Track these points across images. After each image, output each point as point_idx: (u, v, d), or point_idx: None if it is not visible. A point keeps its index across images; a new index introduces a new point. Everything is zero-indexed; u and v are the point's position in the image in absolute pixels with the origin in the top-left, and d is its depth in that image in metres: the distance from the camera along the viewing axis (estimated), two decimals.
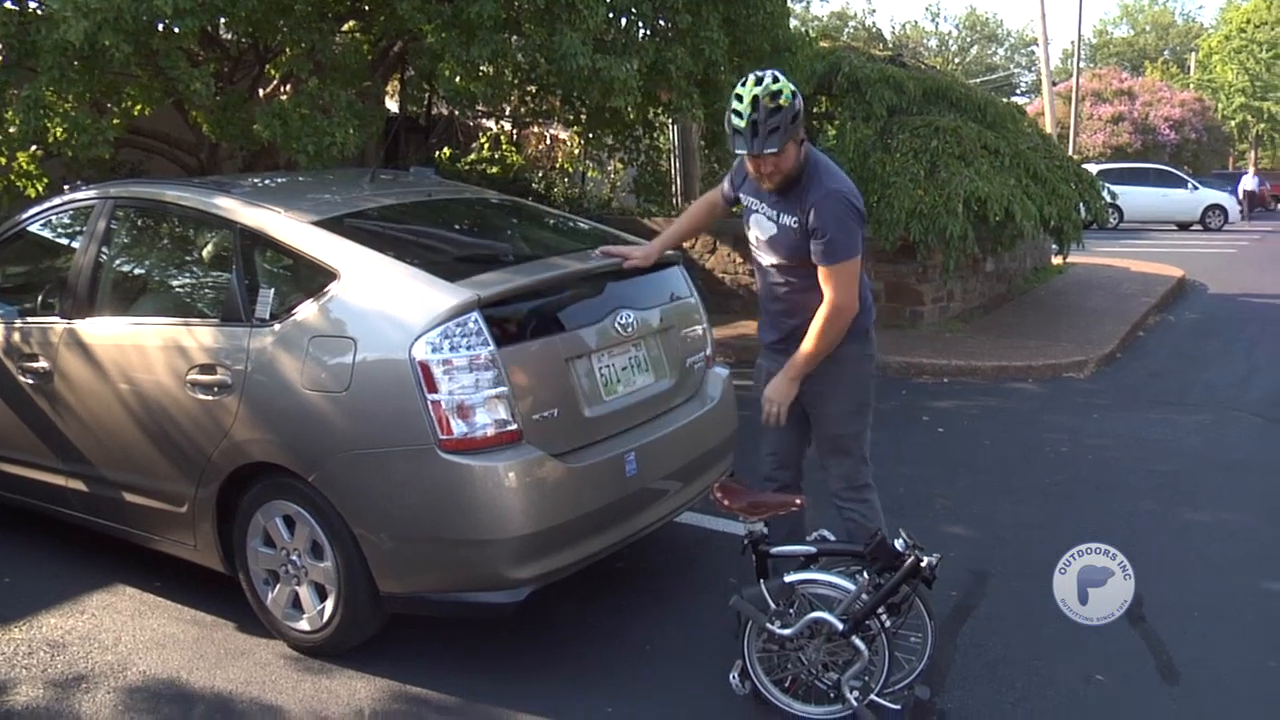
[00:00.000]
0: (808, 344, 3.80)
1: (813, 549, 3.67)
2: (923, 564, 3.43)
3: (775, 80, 3.64)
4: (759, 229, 3.92)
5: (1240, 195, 32.43)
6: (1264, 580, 4.83)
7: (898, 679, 3.64)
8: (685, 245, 11.85)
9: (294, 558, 4.04)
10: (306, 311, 3.93)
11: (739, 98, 3.64)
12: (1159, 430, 7.49)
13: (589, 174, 16.76)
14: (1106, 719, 3.71)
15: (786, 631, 3.55)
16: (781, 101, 3.61)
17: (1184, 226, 29.39)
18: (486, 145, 14.88)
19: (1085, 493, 6.02)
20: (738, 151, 3.72)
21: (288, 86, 8.37)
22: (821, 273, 3.77)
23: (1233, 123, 50.74)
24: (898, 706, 3.67)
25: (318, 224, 4.14)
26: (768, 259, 3.94)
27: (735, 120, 3.65)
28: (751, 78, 3.67)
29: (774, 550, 3.69)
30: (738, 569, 4.13)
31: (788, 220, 3.80)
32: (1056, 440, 7.06)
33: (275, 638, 4.20)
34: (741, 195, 4.01)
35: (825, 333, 3.78)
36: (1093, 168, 18.70)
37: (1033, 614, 4.42)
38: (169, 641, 4.23)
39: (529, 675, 3.99)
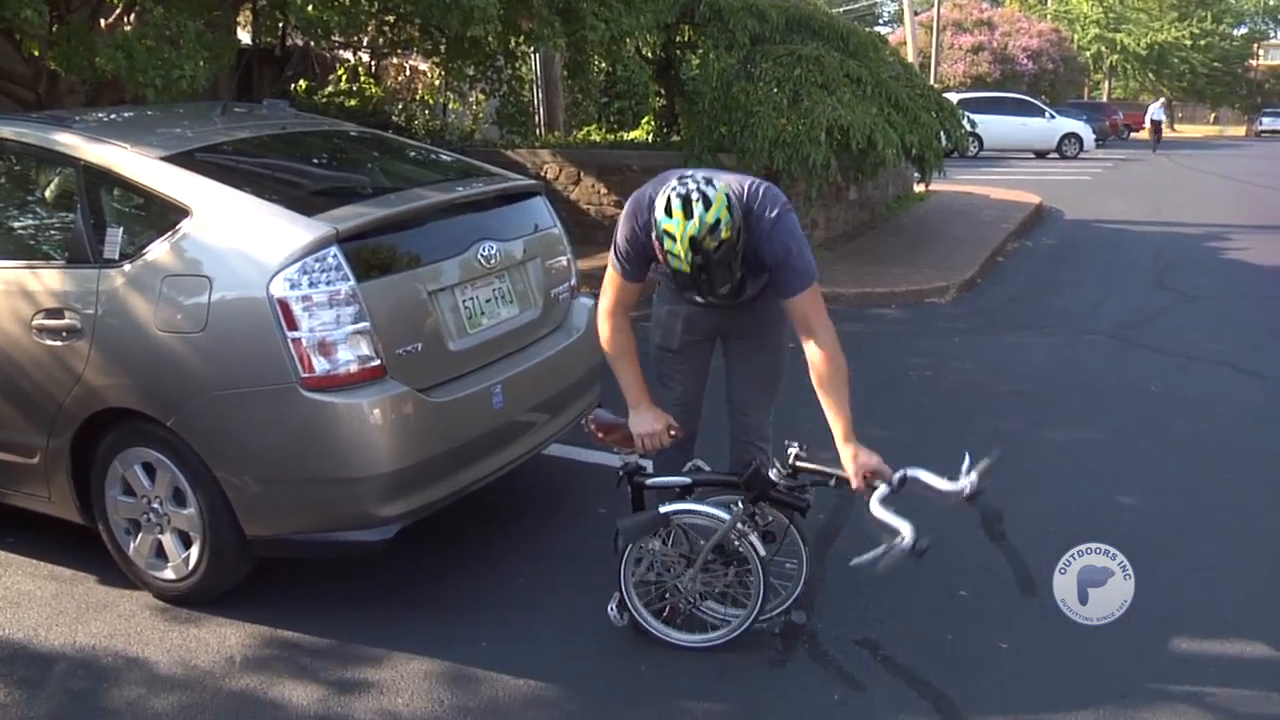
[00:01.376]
0: (841, 408, 3.41)
1: (688, 479, 3.70)
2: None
3: (705, 204, 3.10)
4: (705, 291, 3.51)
5: (1149, 125, 33.38)
6: (1116, 493, 5.04)
7: (774, 605, 3.71)
8: (550, 176, 11.80)
9: (156, 505, 3.92)
10: (158, 251, 3.79)
11: (669, 235, 3.14)
12: (1018, 353, 7.73)
13: (450, 106, 16.48)
14: (969, 631, 3.83)
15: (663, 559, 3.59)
16: (724, 234, 3.14)
17: (1041, 154, 30.25)
18: (344, 77, 14.50)
19: (948, 414, 6.18)
20: (685, 293, 3.44)
21: (131, 16, 7.98)
22: (794, 308, 3.43)
23: (1088, 53, 52.17)
24: (776, 631, 3.75)
25: (167, 159, 3.98)
26: (718, 302, 3.62)
27: (676, 264, 3.19)
28: (678, 203, 3.11)
29: (649, 481, 3.71)
30: (607, 500, 4.15)
31: (737, 274, 3.43)
32: (920, 364, 7.23)
33: (139, 589, 4.08)
34: (662, 268, 3.46)
35: (839, 380, 3.43)
36: (953, 97, 19.04)
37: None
38: (24, 599, 4.08)
39: (402, 613, 3.97)
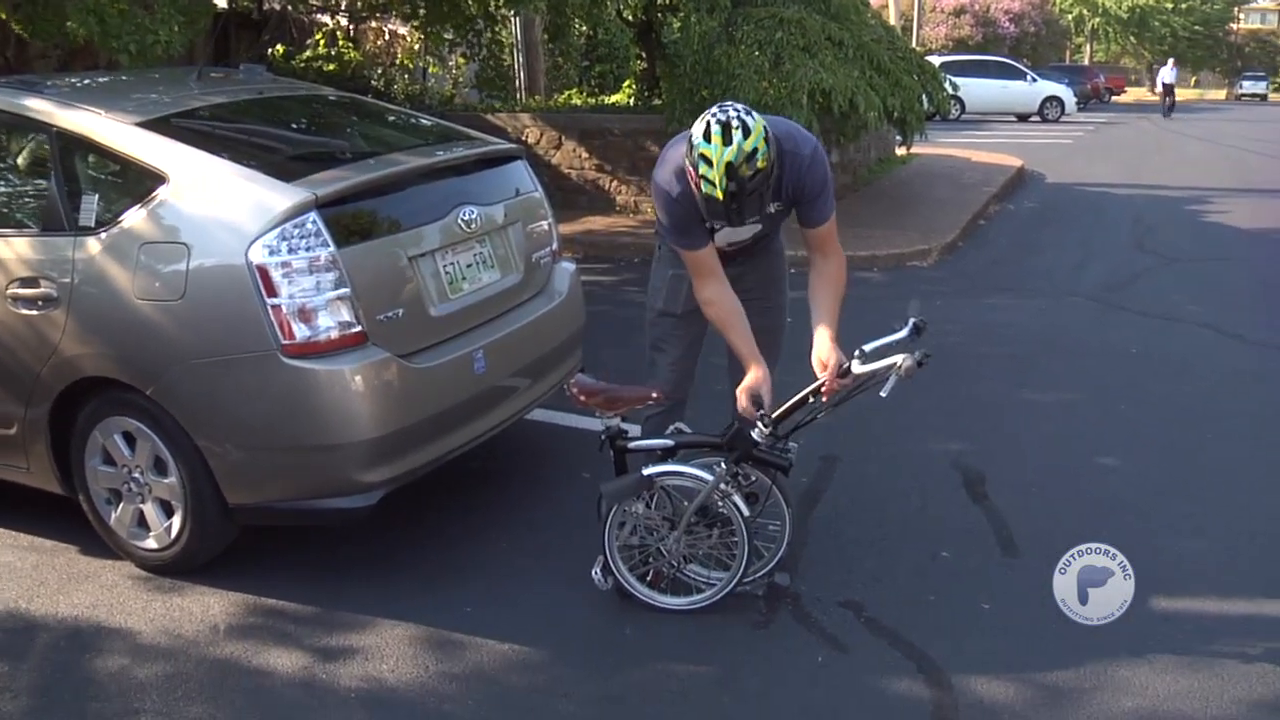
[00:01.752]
0: (834, 310, 3.57)
1: (670, 441, 3.70)
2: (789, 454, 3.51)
3: (745, 132, 3.14)
4: (733, 236, 3.60)
5: (1160, 88, 33.31)
6: (1098, 455, 5.06)
7: (758, 567, 3.72)
8: (530, 140, 11.73)
9: (136, 475, 3.90)
10: (135, 218, 3.75)
11: (707, 161, 3.15)
12: (1000, 315, 7.75)
13: (430, 70, 16.36)
14: (951, 593, 3.85)
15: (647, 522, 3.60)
16: (759, 163, 3.17)
17: (1023, 118, 30.27)
18: (322, 42, 14.36)
19: (929, 377, 6.12)
20: (715, 222, 3.37)
21: None
22: (819, 233, 3.58)
23: (1069, 17, 52.19)
24: (759, 593, 3.76)
25: (143, 125, 3.92)
26: (737, 245, 3.70)
27: (709, 190, 3.19)
28: (717, 129, 3.15)
29: (632, 445, 3.71)
30: (591, 465, 4.15)
31: (773, 207, 3.51)
32: (901, 327, 7.22)
33: (121, 559, 4.07)
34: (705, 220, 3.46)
35: (842, 290, 3.65)
36: (935, 60, 18.96)
37: (880, 497, 4.56)
38: (4, 571, 4.05)
39: (387, 580, 3.97)
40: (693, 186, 3.29)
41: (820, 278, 3.62)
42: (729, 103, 3.27)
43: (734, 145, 3.14)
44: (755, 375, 3.46)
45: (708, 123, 3.19)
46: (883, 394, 3.26)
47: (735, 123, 3.16)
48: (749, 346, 3.53)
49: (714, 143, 3.15)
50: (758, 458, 3.52)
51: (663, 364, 3.89)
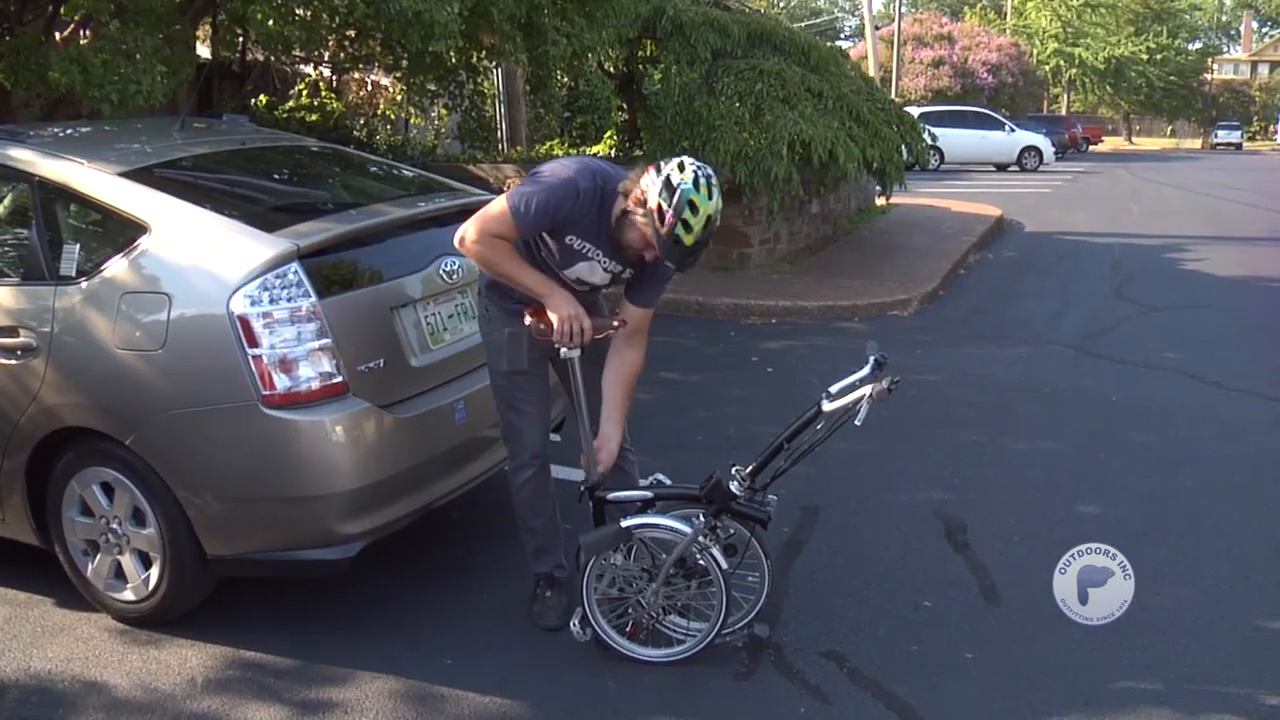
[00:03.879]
0: (626, 406, 3.77)
1: (649, 493, 3.69)
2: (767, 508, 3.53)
3: (719, 193, 3.35)
4: (587, 271, 3.64)
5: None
6: (1077, 503, 5.07)
7: (737, 618, 3.71)
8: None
9: (114, 526, 3.86)
10: (116, 267, 3.74)
11: (694, 209, 3.26)
12: (980, 364, 7.78)
13: (413, 121, 16.44)
14: (934, 643, 3.84)
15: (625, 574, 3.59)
16: (717, 223, 3.36)
17: (1002, 167, 30.54)
18: (305, 92, 14.43)
19: (910, 426, 6.21)
20: (667, 263, 3.40)
21: (87, 30, 7.90)
22: (645, 315, 3.72)
23: (1047, 67, 52.87)
24: (740, 645, 3.75)
25: (125, 175, 3.93)
26: (582, 287, 3.73)
27: (681, 234, 3.28)
28: (705, 181, 3.30)
29: (610, 496, 3.70)
30: (571, 516, 4.13)
31: (628, 274, 3.65)
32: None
33: (98, 611, 4.02)
34: (568, 239, 3.56)
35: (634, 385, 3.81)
36: (914, 110, 19.18)
37: (862, 546, 4.56)
38: None
39: (367, 632, 3.93)
40: (644, 223, 3.35)
41: (626, 368, 3.74)
42: (697, 160, 3.39)
43: (714, 201, 3.31)
44: (559, 303, 3.53)
45: (695, 174, 3.30)
46: (857, 422, 3.27)
47: (714, 181, 3.34)
48: (538, 275, 3.58)
49: (703, 193, 3.28)
50: (736, 510, 3.52)
51: (525, 425, 3.85)
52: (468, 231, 3.49)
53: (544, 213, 3.43)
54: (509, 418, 3.86)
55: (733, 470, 3.52)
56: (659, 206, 3.29)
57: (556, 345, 3.56)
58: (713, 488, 3.52)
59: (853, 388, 3.35)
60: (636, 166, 3.47)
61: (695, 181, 3.28)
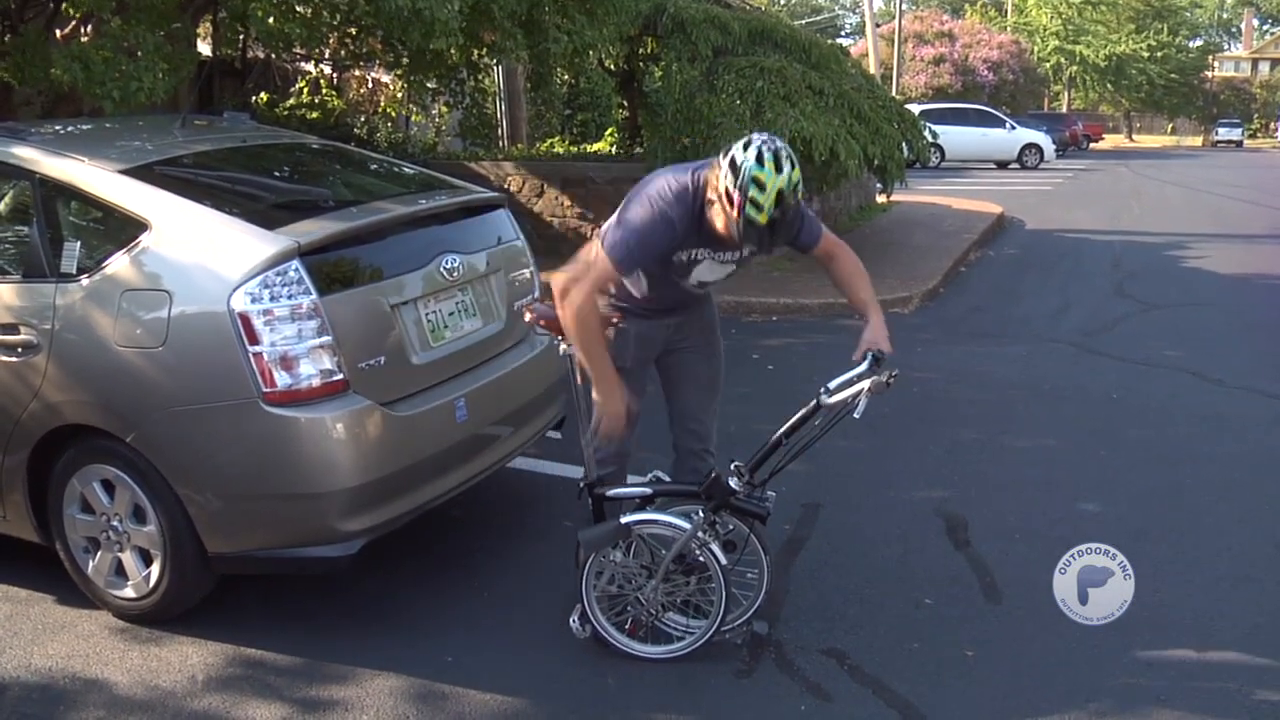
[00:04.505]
0: (871, 291, 3.72)
1: (648, 489, 3.70)
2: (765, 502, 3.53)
3: (792, 163, 3.21)
4: (708, 272, 3.61)
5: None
6: (1078, 501, 5.07)
7: (736, 615, 3.71)
8: (513, 188, 11.77)
9: (115, 523, 3.87)
10: (117, 265, 3.75)
11: (760, 186, 3.16)
12: (980, 361, 7.78)
13: (413, 118, 16.43)
14: (935, 641, 3.84)
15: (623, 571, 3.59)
16: (800, 195, 3.26)
17: (1002, 165, 30.53)
18: (306, 90, 14.41)
19: (911, 424, 6.21)
20: (747, 247, 3.40)
21: (88, 27, 7.89)
22: (823, 245, 3.67)
23: (1047, 65, 52.80)
24: (739, 642, 3.75)
25: (126, 172, 3.93)
26: (708, 284, 3.73)
27: (753, 214, 3.18)
28: (769, 155, 3.17)
29: (610, 492, 3.70)
30: (572, 513, 4.14)
31: (749, 250, 3.55)
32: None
33: (99, 609, 4.02)
34: (678, 255, 3.51)
35: (865, 272, 3.76)
36: (915, 108, 19.13)
37: (862, 544, 4.56)
38: None
39: (367, 629, 3.93)
40: (722, 210, 3.27)
41: (845, 273, 3.70)
42: (767, 134, 3.29)
43: (785, 174, 3.17)
44: (616, 403, 3.52)
45: (759, 149, 3.19)
46: (856, 415, 3.27)
47: (785, 153, 3.20)
48: (609, 363, 3.53)
49: (768, 168, 3.16)
50: (735, 506, 3.52)
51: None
52: (572, 291, 3.38)
53: (648, 254, 3.42)
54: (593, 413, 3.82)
55: (732, 466, 3.52)
56: (726, 191, 3.22)
57: (564, 348, 3.57)
58: (711, 483, 3.52)
59: (851, 383, 3.34)
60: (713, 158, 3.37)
61: (759, 158, 3.17)
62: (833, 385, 3.38)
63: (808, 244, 3.63)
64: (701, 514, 3.54)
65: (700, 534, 3.52)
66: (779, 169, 3.16)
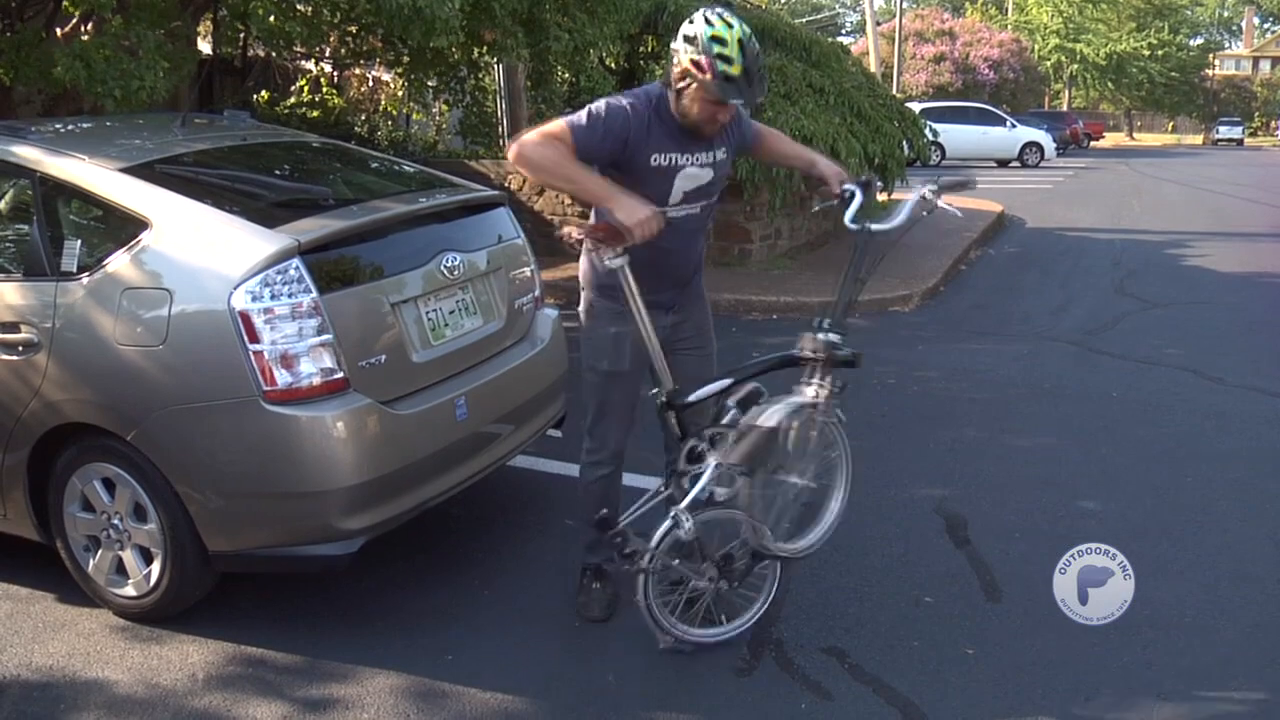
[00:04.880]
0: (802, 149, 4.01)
1: (727, 380, 3.62)
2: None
3: (739, 19, 3.32)
4: (689, 183, 3.57)
5: None
6: (1079, 499, 5.07)
7: (749, 615, 3.73)
8: (513, 186, 11.77)
9: (116, 521, 3.87)
10: (118, 263, 3.75)
11: (720, 41, 3.24)
12: (981, 360, 7.77)
13: (414, 117, 16.43)
14: (935, 639, 3.84)
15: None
16: (757, 45, 3.34)
17: (1003, 163, 30.54)
18: (306, 88, 14.42)
19: (911, 422, 6.21)
20: (731, 101, 3.33)
21: (89, 25, 7.89)
22: (759, 130, 3.88)
23: (1048, 63, 52.85)
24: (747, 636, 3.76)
25: (126, 170, 3.93)
26: (697, 204, 3.64)
27: (726, 69, 3.24)
28: (715, 16, 3.29)
29: (689, 399, 3.60)
30: (573, 511, 4.13)
31: (721, 153, 3.62)
32: (883, 373, 7.25)
33: (99, 607, 4.03)
34: (654, 158, 3.48)
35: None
36: (915, 106, 19.13)
37: (863, 542, 4.55)
38: None
39: (368, 628, 3.94)
40: (696, 87, 3.33)
41: (777, 139, 3.99)
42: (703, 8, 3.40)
43: (737, 26, 3.29)
44: (629, 205, 3.28)
45: (704, 15, 3.31)
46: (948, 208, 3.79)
47: (726, 13, 3.32)
48: (600, 179, 3.40)
49: (720, 25, 3.27)
50: (840, 360, 3.49)
51: (613, 425, 3.84)
52: (518, 139, 3.33)
53: (604, 128, 3.38)
54: (597, 415, 3.83)
55: (817, 323, 3.46)
56: (693, 62, 3.29)
57: (610, 258, 3.36)
58: (815, 344, 3.45)
59: (896, 214, 3.60)
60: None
61: (708, 20, 3.28)
62: (849, 218, 3.62)
63: (754, 140, 3.84)
64: (815, 380, 3.47)
65: (824, 404, 3.49)
66: (731, 25, 3.28)
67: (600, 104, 3.43)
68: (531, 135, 3.34)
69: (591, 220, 3.60)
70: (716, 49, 3.25)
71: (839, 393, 3.52)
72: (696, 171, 3.57)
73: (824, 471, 3.68)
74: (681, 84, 3.37)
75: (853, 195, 3.69)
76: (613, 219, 3.27)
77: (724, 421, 3.54)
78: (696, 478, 3.51)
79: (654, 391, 3.63)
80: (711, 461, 3.51)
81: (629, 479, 3.97)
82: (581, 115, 3.40)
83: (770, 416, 3.41)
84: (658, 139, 3.46)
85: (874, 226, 3.46)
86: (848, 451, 3.63)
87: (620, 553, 3.48)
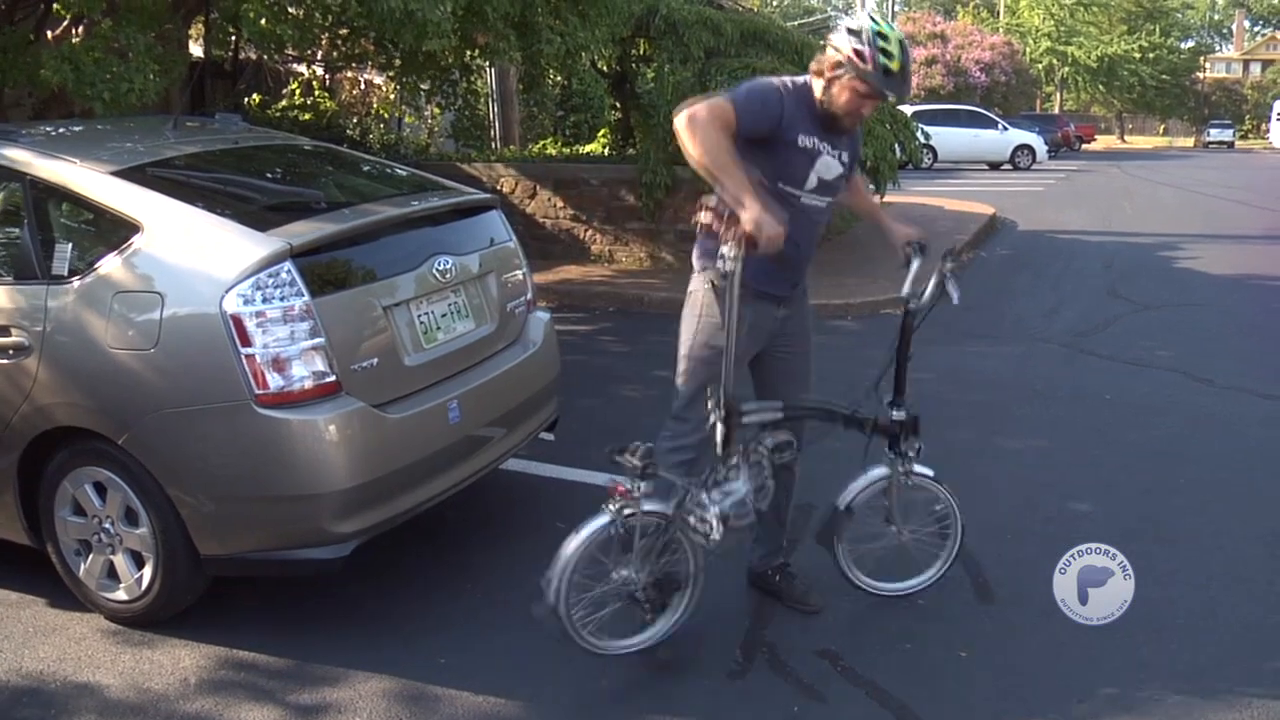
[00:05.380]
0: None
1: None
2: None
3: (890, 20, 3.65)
4: (825, 171, 3.66)
5: None
6: (1071, 501, 5.08)
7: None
8: (506, 189, 11.75)
9: (107, 525, 3.86)
10: (109, 267, 3.74)
11: (884, 37, 3.44)
12: (973, 361, 7.78)
13: (406, 120, 16.43)
14: (928, 641, 3.84)
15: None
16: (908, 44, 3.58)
17: (995, 166, 30.60)
18: (298, 91, 14.40)
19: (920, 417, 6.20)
20: (887, 93, 3.56)
21: (79, 28, 7.87)
22: (855, 182, 4.02)
23: (1039, 66, 52.96)
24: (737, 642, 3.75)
25: (117, 174, 3.92)
26: (825, 198, 3.74)
27: (887, 63, 3.43)
28: (879, 19, 3.53)
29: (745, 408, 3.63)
30: (565, 515, 4.13)
31: (846, 155, 3.75)
32: (876, 375, 7.23)
33: (90, 611, 4.01)
34: (801, 139, 3.58)
35: None
36: (907, 109, 19.17)
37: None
38: None
39: (360, 631, 3.93)
40: (850, 77, 3.48)
41: (858, 182, 4.12)
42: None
43: (895, 29, 3.51)
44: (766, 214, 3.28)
45: (868, 15, 3.59)
46: (956, 301, 3.91)
47: (885, 22, 3.55)
48: (746, 179, 3.36)
49: (884, 26, 3.49)
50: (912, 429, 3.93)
51: (700, 408, 3.66)
52: (690, 110, 3.37)
53: (761, 104, 3.50)
54: (693, 396, 3.75)
55: (884, 402, 3.89)
56: (855, 51, 3.44)
57: (730, 256, 3.29)
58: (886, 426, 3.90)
59: (921, 279, 3.79)
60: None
61: (872, 18, 3.51)
62: (906, 292, 3.81)
63: (850, 167, 3.83)
64: (892, 457, 3.95)
65: (899, 473, 3.92)
66: (891, 25, 3.53)
67: (754, 83, 3.59)
68: (700, 108, 3.39)
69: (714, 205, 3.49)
70: (880, 43, 3.44)
71: (916, 455, 3.94)
72: (831, 162, 3.68)
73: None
74: (836, 72, 3.51)
75: (909, 259, 3.94)
76: (743, 223, 3.26)
77: (760, 449, 3.65)
78: (727, 494, 3.56)
79: (711, 398, 3.54)
80: (744, 482, 3.59)
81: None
82: (740, 90, 3.52)
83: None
84: (804, 122, 3.59)
85: (913, 306, 3.84)
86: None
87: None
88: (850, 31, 3.48)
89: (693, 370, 3.77)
